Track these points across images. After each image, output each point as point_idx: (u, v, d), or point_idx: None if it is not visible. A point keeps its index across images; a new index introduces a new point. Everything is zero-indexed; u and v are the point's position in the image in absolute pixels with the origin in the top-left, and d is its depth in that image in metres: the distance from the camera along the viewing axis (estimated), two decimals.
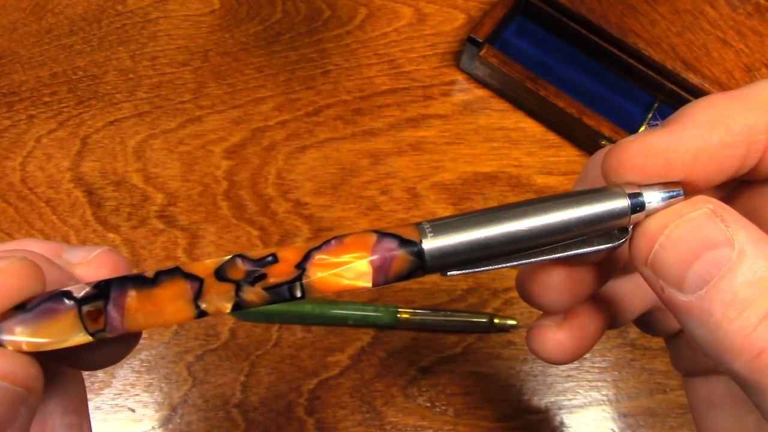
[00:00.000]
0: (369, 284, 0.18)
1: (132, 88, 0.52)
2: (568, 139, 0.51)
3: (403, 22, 0.56)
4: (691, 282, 0.17)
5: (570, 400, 0.43)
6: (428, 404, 0.43)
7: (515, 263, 0.20)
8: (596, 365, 0.44)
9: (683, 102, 0.49)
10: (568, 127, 0.50)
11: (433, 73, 0.54)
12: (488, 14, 0.51)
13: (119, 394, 0.42)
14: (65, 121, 0.51)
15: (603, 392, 0.44)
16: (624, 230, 0.19)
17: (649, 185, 0.19)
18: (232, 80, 0.53)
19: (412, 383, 0.43)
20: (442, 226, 0.19)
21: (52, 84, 0.52)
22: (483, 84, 0.53)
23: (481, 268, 0.19)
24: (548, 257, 0.20)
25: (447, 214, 0.48)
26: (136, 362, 0.43)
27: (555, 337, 0.23)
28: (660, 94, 0.50)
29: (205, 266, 0.18)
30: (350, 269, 0.18)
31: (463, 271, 0.19)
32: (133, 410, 0.42)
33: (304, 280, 0.18)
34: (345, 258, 0.18)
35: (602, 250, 0.20)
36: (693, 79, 0.47)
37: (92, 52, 0.54)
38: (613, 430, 0.43)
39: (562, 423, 0.43)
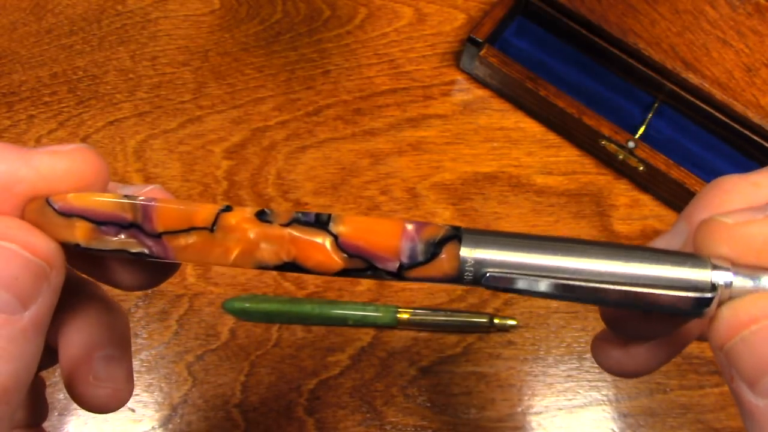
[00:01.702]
0: (398, 240, 0.17)
1: (132, 88, 0.52)
2: (568, 139, 0.51)
3: (403, 22, 0.56)
4: (766, 387, 0.16)
5: (570, 400, 0.43)
6: (428, 404, 0.43)
7: (570, 295, 0.17)
8: (596, 365, 0.44)
9: (683, 102, 0.49)
10: (568, 127, 0.50)
11: (433, 73, 0.54)
12: (488, 14, 0.51)
13: None
14: (65, 121, 0.51)
15: (603, 392, 0.44)
16: (701, 304, 0.17)
17: (744, 267, 0.17)
18: (232, 80, 0.53)
19: (412, 383, 0.43)
20: (480, 233, 0.17)
21: (52, 84, 0.52)
22: (483, 84, 0.53)
23: (523, 281, 0.17)
24: (608, 301, 0.18)
25: (447, 214, 0.48)
26: (136, 362, 0.43)
27: (615, 355, 0.22)
28: (660, 94, 0.50)
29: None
30: (381, 224, 0.17)
31: (504, 274, 0.17)
32: (133, 410, 0.42)
33: (334, 214, 0.17)
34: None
35: (673, 309, 0.18)
36: (693, 79, 0.47)
37: (92, 52, 0.54)
38: (613, 430, 0.43)
39: (562, 423, 0.43)
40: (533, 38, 0.53)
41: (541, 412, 0.43)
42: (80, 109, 0.51)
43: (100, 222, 0.17)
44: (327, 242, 0.17)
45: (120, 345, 0.22)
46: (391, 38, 0.55)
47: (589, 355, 0.45)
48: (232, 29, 0.55)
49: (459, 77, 0.54)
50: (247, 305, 0.44)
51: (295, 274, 0.46)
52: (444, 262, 0.17)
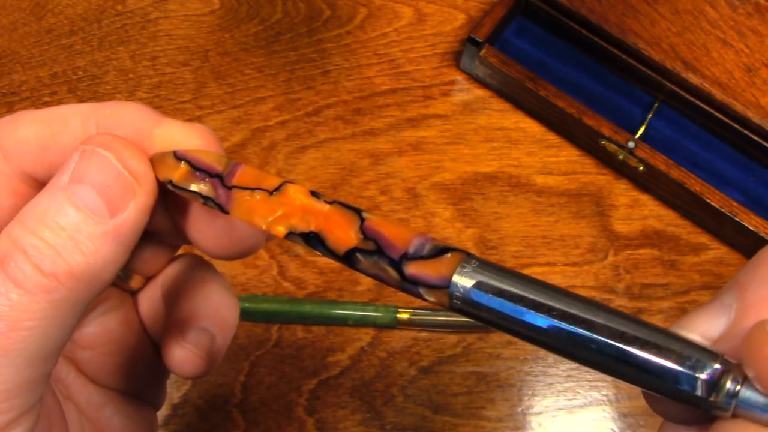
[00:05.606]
0: (412, 236, 0.19)
1: (132, 88, 0.52)
2: (568, 139, 0.51)
3: (403, 22, 0.56)
4: None
5: (570, 400, 0.43)
6: (428, 404, 0.43)
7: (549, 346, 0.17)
8: None
9: (683, 102, 0.49)
10: (568, 127, 0.50)
11: (433, 73, 0.54)
12: (488, 14, 0.51)
13: None
14: None
15: (603, 392, 0.44)
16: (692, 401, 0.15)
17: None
18: (232, 80, 0.53)
19: (412, 383, 0.43)
20: (491, 264, 0.18)
21: (52, 84, 0.52)
22: (483, 84, 0.53)
23: (508, 306, 0.17)
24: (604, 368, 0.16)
25: (447, 213, 0.48)
26: None
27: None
28: (660, 94, 0.50)
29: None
30: (406, 227, 0.19)
31: (491, 303, 0.17)
32: None
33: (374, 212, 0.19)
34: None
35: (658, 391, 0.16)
36: (693, 79, 0.47)
37: (92, 52, 0.54)
38: (613, 430, 0.43)
39: (562, 423, 0.43)
40: (533, 38, 0.53)
41: (541, 412, 0.43)
42: None
43: (197, 167, 0.20)
44: (354, 222, 0.19)
45: (220, 328, 0.24)
46: (391, 38, 0.55)
47: None
48: (232, 29, 0.55)
49: (459, 77, 0.54)
50: (247, 305, 0.44)
51: (295, 274, 0.46)
52: (444, 263, 0.18)
